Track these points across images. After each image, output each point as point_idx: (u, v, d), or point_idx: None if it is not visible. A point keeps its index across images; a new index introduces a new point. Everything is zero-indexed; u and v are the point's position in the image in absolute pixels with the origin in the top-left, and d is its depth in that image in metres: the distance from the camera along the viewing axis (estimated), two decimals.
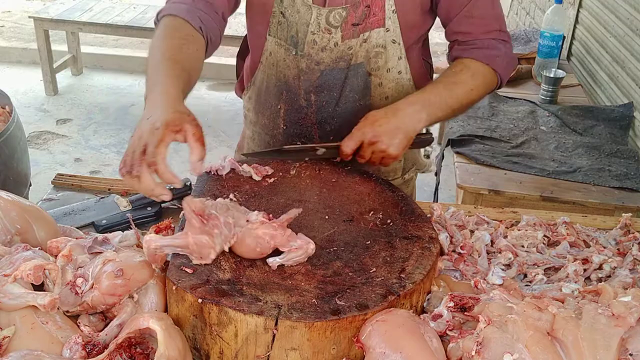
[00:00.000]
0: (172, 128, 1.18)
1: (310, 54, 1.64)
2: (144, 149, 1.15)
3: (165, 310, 1.22)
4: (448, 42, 1.71)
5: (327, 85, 1.67)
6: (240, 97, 1.92)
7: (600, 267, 1.42)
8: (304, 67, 1.66)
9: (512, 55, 1.69)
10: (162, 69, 1.35)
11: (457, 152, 2.82)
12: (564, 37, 3.60)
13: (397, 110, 1.49)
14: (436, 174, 2.87)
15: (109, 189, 1.71)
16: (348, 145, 1.46)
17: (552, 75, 3.30)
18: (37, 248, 1.25)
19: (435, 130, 4.51)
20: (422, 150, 1.96)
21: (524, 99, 3.35)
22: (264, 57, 1.72)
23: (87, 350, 1.08)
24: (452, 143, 2.89)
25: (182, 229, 1.32)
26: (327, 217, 1.42)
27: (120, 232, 1.38)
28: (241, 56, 1.90)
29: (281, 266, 1.24)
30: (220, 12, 1.59)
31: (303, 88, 1.69)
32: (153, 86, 1.31)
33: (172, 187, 1.65)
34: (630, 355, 1.03)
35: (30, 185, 2.84)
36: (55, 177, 1.76)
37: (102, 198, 1.63)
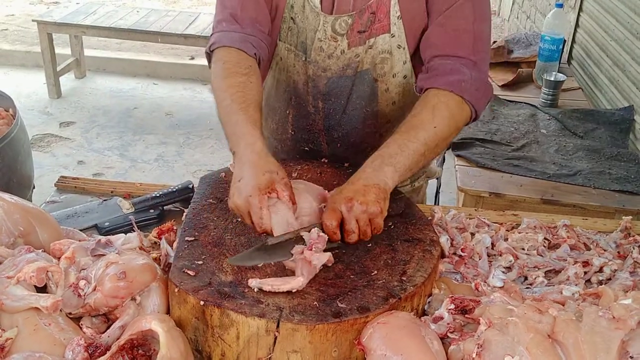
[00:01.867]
0: (264, 192, 1.26)
1: (317, 61, 1.64)
2: (248, 214, 1.26)
3: (168, 312, 1.23)
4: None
5: (334, 93, 1.67)
6: None
7: (600, 270, 1.43)
8: (312, 74, 1.66)
9: (484, 79, 1.56)
10: (238, 116, 1.40)
11: (458, 155, 2.83)
12: (565, 40, 3.61)
13: (358, 174, 1.36)
14: (437, 178, 2.87)
15: (112, 192, 1.72)
16: (329, 218, 1.27)
17: (552, 79, 3.30)
18: (40, 250, 1.26)
19: None
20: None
21: (525, 102, 3.35)
22: (274, 62, 1.73)
23: (89, 352, 1.09)
24: (453, 146, 2.89)
25: (184, 232, 1.33)
26: None
27: (123, 234, 1.39)
28: None
29: (282, 269, 1.25)
30: (266, 30, 1.62)
31: (311, 94, 1.69)
32: (236, 139, 1.38)
33: (174, 190, 1.66)
34: (631, 357, 1.03)
35: (34, 187, 2.84)
36: (58, 179, 1.77)
37: (105, 200, 1.64)
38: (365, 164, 1.38)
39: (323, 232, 1.27)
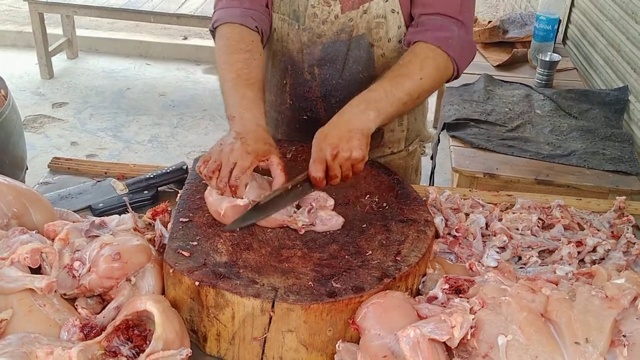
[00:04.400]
0: (260, 158, 1.33)
1: (312, 27, 1.64)
2: (232, 167, 1.29)
3: (163, 293, 1.23)
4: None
5: (329, 58, 1.68)
6: None
7: (594, 250, 1.43)
8: (306, 41, 1.66)
9: (469, 39, 1.61)
10: (245, 90, 1.47)
11: (453, 136, 2.83)
12: (560, 20, 3.59)
13: (342, 116, 1.41)
14: (432, 158, 2.88)
15: (106, 173, 1.71)
16: (317, 170, 1.33)
17: (547, 59, 3.29)
18: (34, 231, 1.26)
19: (431, 114, 4.51)
20: (425, 121, 1.95)
21: (520, 83, 3.35)
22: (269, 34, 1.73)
23: (84, 332, 1.09)
24: (448, 127, 2.89)
25: (179, 213, 1.33)
26: None
27: (117, 215, 1.38)
28: None
29: (277, 250, 1.25)
30: (264, 2, 1.67)
31: (307, 62, 1.70)
32: (240, 108, 1.43)
33: (168, 171, 1.66)
34: (624, 336, 1.04)
35: (27, 169, 2.84)
36: (51, 160, 1.75)
37: (98, 181, 1.63)
38: (350, 104, 1.43)
39: (310, 183, 1.35)
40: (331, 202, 1.38)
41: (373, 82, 1.60)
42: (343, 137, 1.35)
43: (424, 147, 1.99)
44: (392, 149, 1.83)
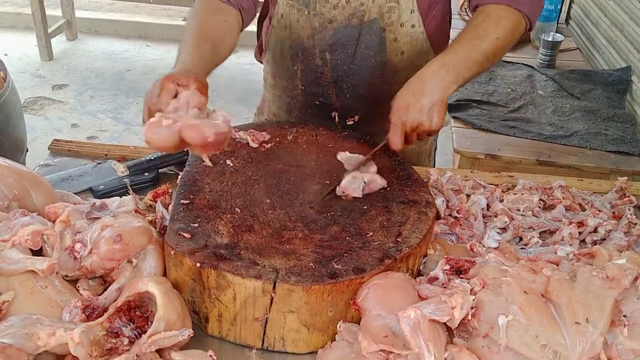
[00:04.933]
0: (172, 79, 1.25)
1: (323, 12, 1.63)
2: (149, 104, 1.26)
3: (164, 274, 1.23)
4: None
5: (341, 43, 1.66)
6: (260, 62, 1.92)
7: (595, 230, 1.43)
8: (317, 26, 1.65)
9: None
10: (188, 45, 1.45)
11: (455, 117, 2.82)
12: (563, 0, 3.56)
13: (424, 84, 1.42)
14: (434, 139, 2.86)
15: (106, 155, 1.71)
16: (397, 141, 1.43)
17: (550, 39, 3.27)
18: (35, 214, 1.26)
19: None
20: None
21: (522, 63, 3.33)
22: (275, 20, 1.72)
23: (86, 313, 1.10)
24: (450, 108, 2.88)
25: (180, 195, 1.33)
26: (324, 182, 1.43)
27: (118, 197, 1.38)
28: (261, 20, 1.89)
29: (278, 231, 1.25)
30: None
31: (318, 47, 1.68)
32: (176, 63, 1.42)
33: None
34: (624, 316, 1.04)
35: (27, 151, 2.84)
36: (51, 142, 1.75)
37: (99, 164, 1.63)
38: (430, 68, 1.45)
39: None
40: (374, 168, 1.42)
41: (385, 67, 1.59)
42: (424, 109, 1.40)
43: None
44: None
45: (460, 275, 1.18)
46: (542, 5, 1.63)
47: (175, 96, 1.24)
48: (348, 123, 1.77)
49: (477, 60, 1.47)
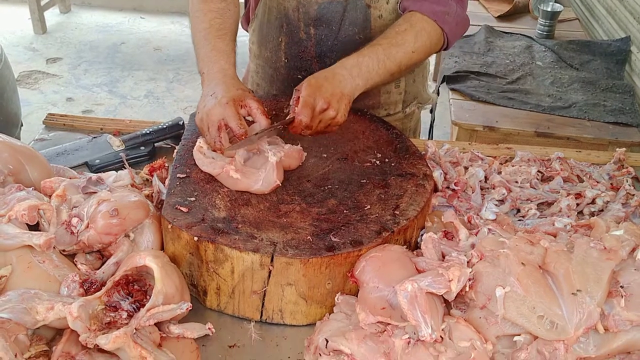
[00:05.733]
0: (238, 103, 1.32)
1: None
2: (222, 124, 1.30)
3: (162, 248, 1.23)
4: None
5: (325, 19, 1.64)
6: (246, 31, 1.89)
7: (593, 202, 1.43)
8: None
9: (464, 16, 1.61)
10: (215, 41, 1.46)
11: (453, 89, 2.80)
12: None
13: (336, 75, 1.41)
14: (431, 111, 2.86)
15: (101, 129, 1.69)
16: (306, 115, 1.33)
17: (549, 9, 3.23)
18: (31, 188, 1.25)
19: (431, 66, 4.46)
20: (427, 83, 1.93)
21: (521, 34, 3.30)
22: None
23: (84, 287, 1.10)
24: (448, 79, 2.86)
25: (176, 168, 1.32)
26: (321, 155, 1.42)
27: (114, 172, 1.38)
28: None
29: (275, 205, 1.24)
30: None
31: (302, 21, 1.66)
32: (209, 62, 1.43)
33: (165, 126, 1.64)
34: (621, 287, 1.04)
35: (22, 125, 2.82)
36: (46, 117, 1.73)
37: (94, 138, 1.62)
38: (343, 64, 1.43)
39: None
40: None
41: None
42: (335, 95, 1.36)
43: (423, 108, 1.97)
44: (388, 111, 1.80)
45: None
46: (465, 30, 1.65)
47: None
48: None
49: (390, 69, 1.48)
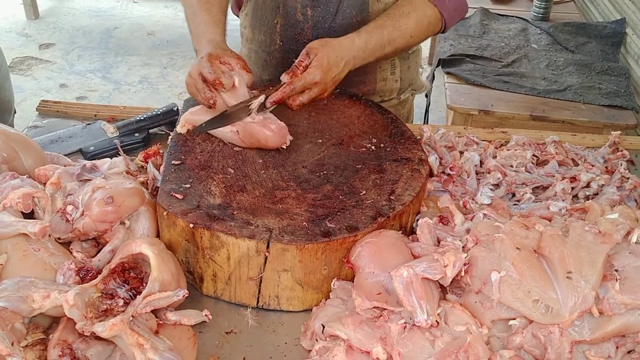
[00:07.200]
0: (215, 58, 1.36)
1: None
2: (202, 78, 1.34)
3: (157, 235, 1.23)
4: None
5: (323, 0, 1.63)
6: (237, 16, 1.87)
7: (587, 185, 1.44)
8: None
9: (462, 1, 1.66)
10: (202, 16, 1.51)
11: (448, 73, 2.79)
12: None
13: (344, 55, 1.45)
14: (427, 95, 2.85)
15: (95, 115, 1.68)
16: (317, 75, 1.41)
17: None
18: (25, 176, 1.24)
19: (425, 50, 4.44)
20: (420, 69, 1.92)
21: (516, 17, 3.28)
22: None
23: (80, 275, 1.10)
24: (443, 63, 2.85)
25: (171, 155, 1.32)
26: (316, 141, 1.42)
27: (108, 159, 1.37)
28: None
29: (271, 191, 1.24)
30: None
31: (299, 2, 1.65)
32: (198, 37, 1.49)
33: (159, 113, 1.63)
34: (616, 271, 1.05)
35: (15, 112, 2.79)
36: (40, 103, 1.72)
37: (88, 124, 1.61)
38: (358, 44, 1.48)
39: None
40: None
41: None
42: (336, 82, 1.44)
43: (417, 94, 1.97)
44: (382, 97, 1.80)
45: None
46: (463, 15, 1.68)
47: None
48: None
49: (387, 52, 1.55)
